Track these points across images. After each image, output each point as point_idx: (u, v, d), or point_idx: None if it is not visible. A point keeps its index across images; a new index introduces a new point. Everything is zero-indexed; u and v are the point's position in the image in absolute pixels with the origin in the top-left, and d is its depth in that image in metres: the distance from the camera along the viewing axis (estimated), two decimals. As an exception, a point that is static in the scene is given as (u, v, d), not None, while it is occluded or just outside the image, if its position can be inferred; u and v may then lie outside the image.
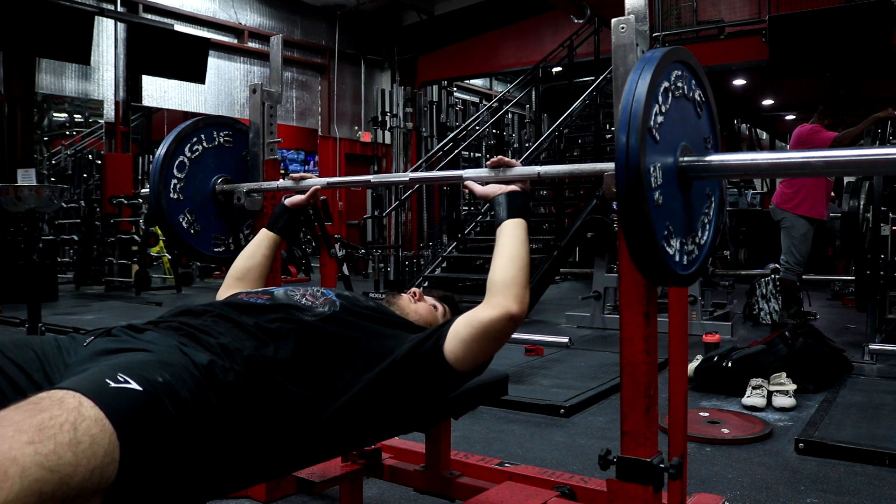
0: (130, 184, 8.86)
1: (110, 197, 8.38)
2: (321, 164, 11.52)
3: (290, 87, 11.03)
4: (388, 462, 1.96)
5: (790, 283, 4.88)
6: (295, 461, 1.28)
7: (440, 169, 7.68)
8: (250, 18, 10.45)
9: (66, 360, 1.11)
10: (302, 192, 1.73)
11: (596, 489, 1.69)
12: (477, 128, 8.98)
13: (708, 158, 1.16)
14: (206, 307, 1.29)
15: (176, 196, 1.88)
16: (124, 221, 8.41)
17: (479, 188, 1.42)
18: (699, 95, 1.23)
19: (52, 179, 9.62)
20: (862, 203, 4.38)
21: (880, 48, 6.35)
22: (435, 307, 1.59)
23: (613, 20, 1.21)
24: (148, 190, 1.86)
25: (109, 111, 9.01)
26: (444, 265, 6.85)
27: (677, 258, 1.13)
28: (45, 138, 9.68)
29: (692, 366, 3.51)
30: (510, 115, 12.52)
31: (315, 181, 1.74)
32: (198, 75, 8.92)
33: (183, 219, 1.90)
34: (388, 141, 10.65)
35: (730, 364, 3.44)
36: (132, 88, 9.10)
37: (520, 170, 1.40)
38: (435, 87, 11.07)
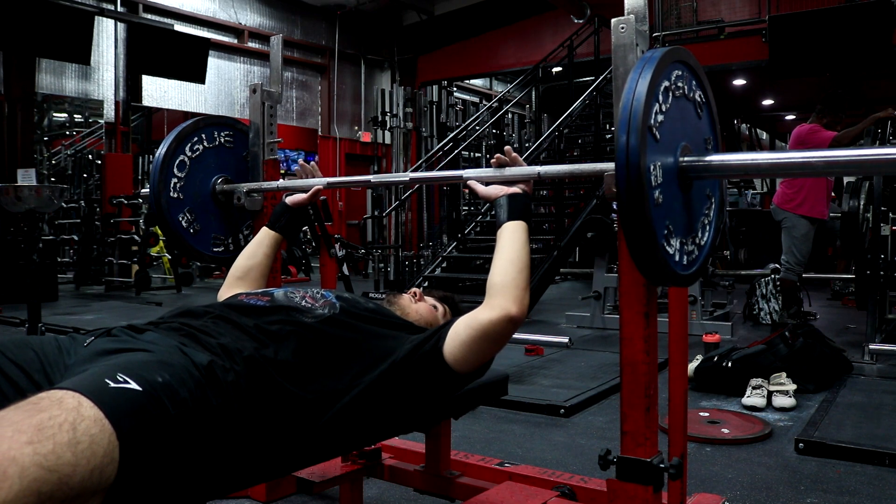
0: (130, 184, 8.86)
1: (110, 197, 8.38)
2: (321, 165, 11.22)
3: (290, 87, 11.03)
4: (388, 462, 1.96)
5: (790, 283, 4.88)
6: (295, 461, 1.28)
7: (440, 169, 7.68)
8: (250, 18, 10.45)
9: (67, 360, 1.11)
10: (304, 190, 1.74)
11: (596, 489, 1.69)
12: (477, 128, 8.97)
13: (708, 158, 1.16)
14: (207, 308, 1.29)
15: (176, 195, 1.88)
16: (124, 221, 8.41)
17: (481, 188, 1.41)
18: (699, 96, 1.23)
19: (52, 179, 9.61)
20: (862, 203, 4.38)
21: (880, 48, 6.35)
22: (435, 307, 1.59)
23: (613, 20, 1.21)
24: (148, 190, 1.86)
25: (109, 111, 9.01)
26: (444, 265, 6.84)
27: (677, 258, 1.13)
28: (45, 138, 9.66)
29: (692, 366, 3.51)
30: (510, 115, 12.52)
31: (318, 180, 1.74)
32: (198, 75, 8.93)
33: (183, 218, 1.90)
34: (388, 141, 10.64)
35: (730, 364, 3.43)
36: (132, 88, 9.11)
37: (520, 169, 1.40)
38: (435, 87, 11.06)
